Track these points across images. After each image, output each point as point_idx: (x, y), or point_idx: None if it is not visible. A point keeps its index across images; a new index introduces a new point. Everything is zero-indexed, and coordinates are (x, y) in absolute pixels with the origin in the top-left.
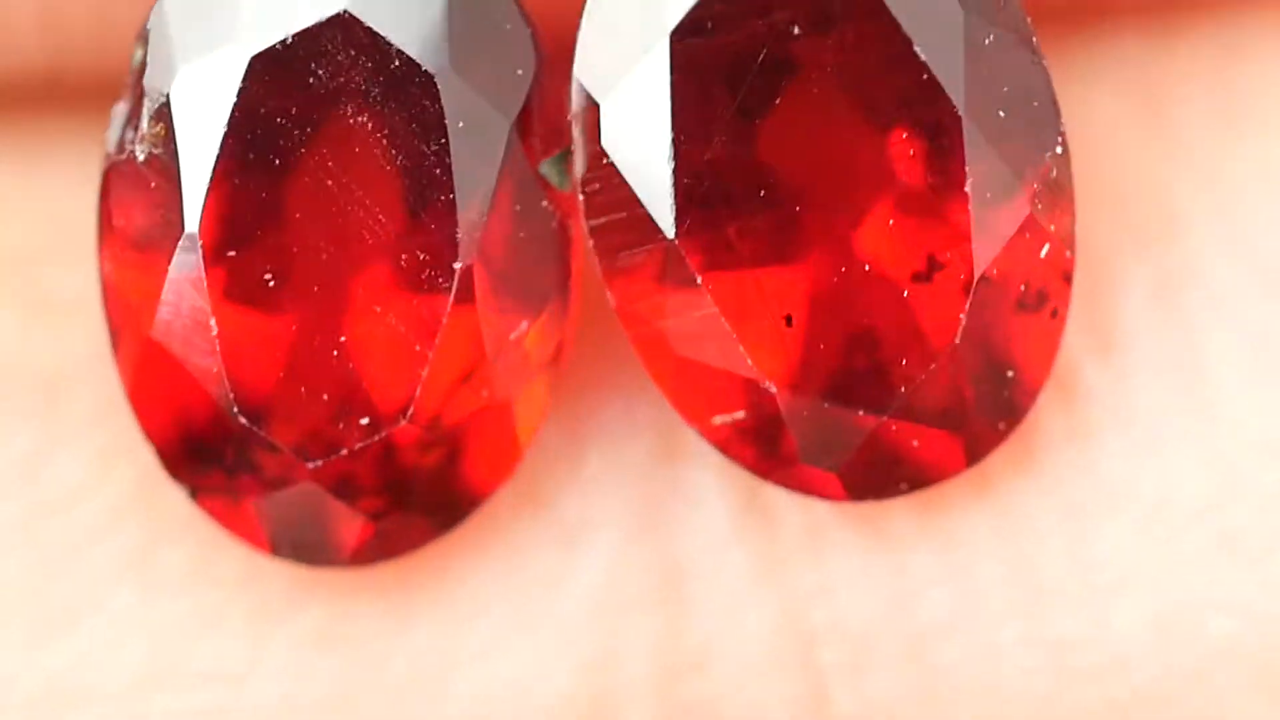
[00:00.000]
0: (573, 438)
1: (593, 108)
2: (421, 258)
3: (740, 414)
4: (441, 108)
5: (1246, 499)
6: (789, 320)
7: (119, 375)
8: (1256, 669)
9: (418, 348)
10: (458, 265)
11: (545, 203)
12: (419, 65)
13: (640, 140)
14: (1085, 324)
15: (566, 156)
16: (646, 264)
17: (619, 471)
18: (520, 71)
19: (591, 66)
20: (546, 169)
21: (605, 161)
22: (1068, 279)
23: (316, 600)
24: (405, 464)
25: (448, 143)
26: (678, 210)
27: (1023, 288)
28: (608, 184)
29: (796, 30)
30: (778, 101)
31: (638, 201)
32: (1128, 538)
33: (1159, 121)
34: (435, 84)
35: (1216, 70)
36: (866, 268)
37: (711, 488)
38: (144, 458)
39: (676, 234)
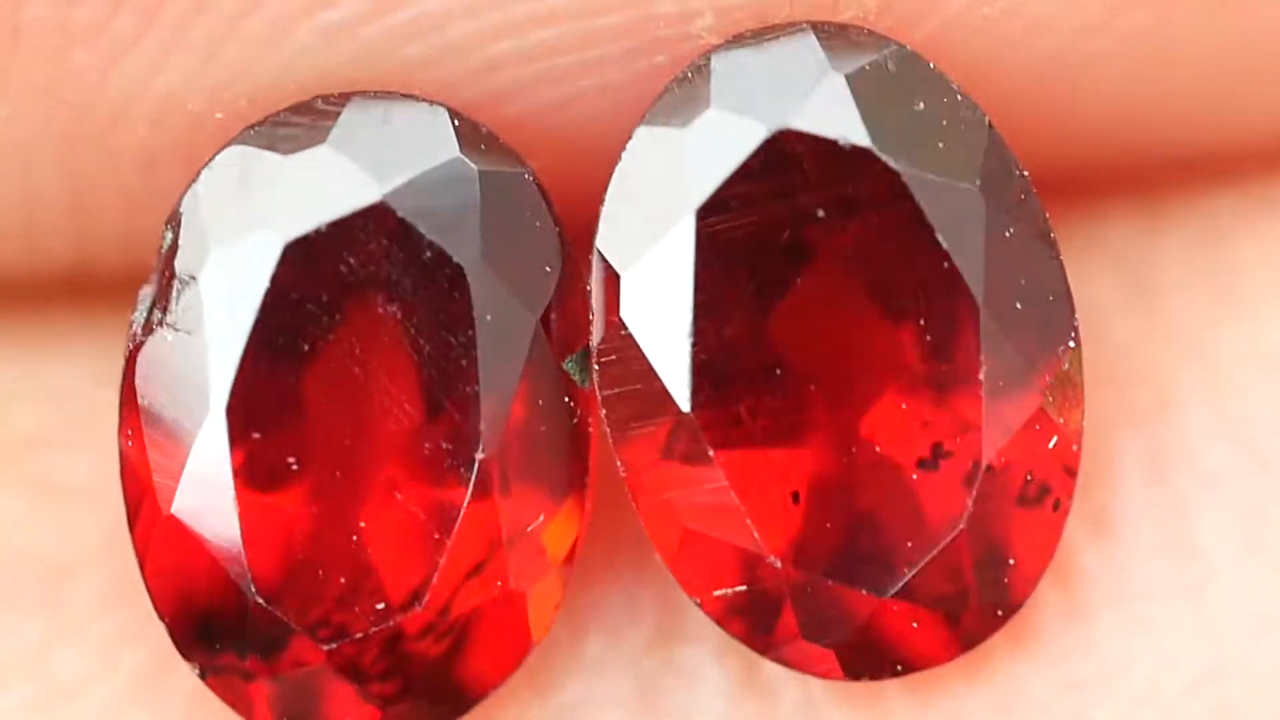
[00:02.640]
0: (575, 621)
1: (613, 278)
2: (443, 448)
3: (741, 588)
4: (470, 300)
5: (1240, 674)
6: (796, 498)
7: (135, 551)
8: None
9: (436, 536)
10: (479, 456)
11: (567, 399)
12: (449, 257)
13: (659, 314)
14: (1082, 506)
15: (588, 354)
16: (658, 435)
17: (620, 654)
18: (548, 268)
19: (614, 239)
20: (569, 365)
21: (623, 332)
22: (1072, 473)
23: None
24: (415, 651)
25: (475, 335)
26: (693, 385)
27: (1027, 479)
28: (624, 355)
29: (820, 214)
30: (796, 283)
31: (653, 374)
32: (1125, 713)
33: (1151, 304)
34: (465, 276)
35: (1204, 253)
36: (875, 451)
37: (710, 667)
38: (149, 645)
39: (690, 408)
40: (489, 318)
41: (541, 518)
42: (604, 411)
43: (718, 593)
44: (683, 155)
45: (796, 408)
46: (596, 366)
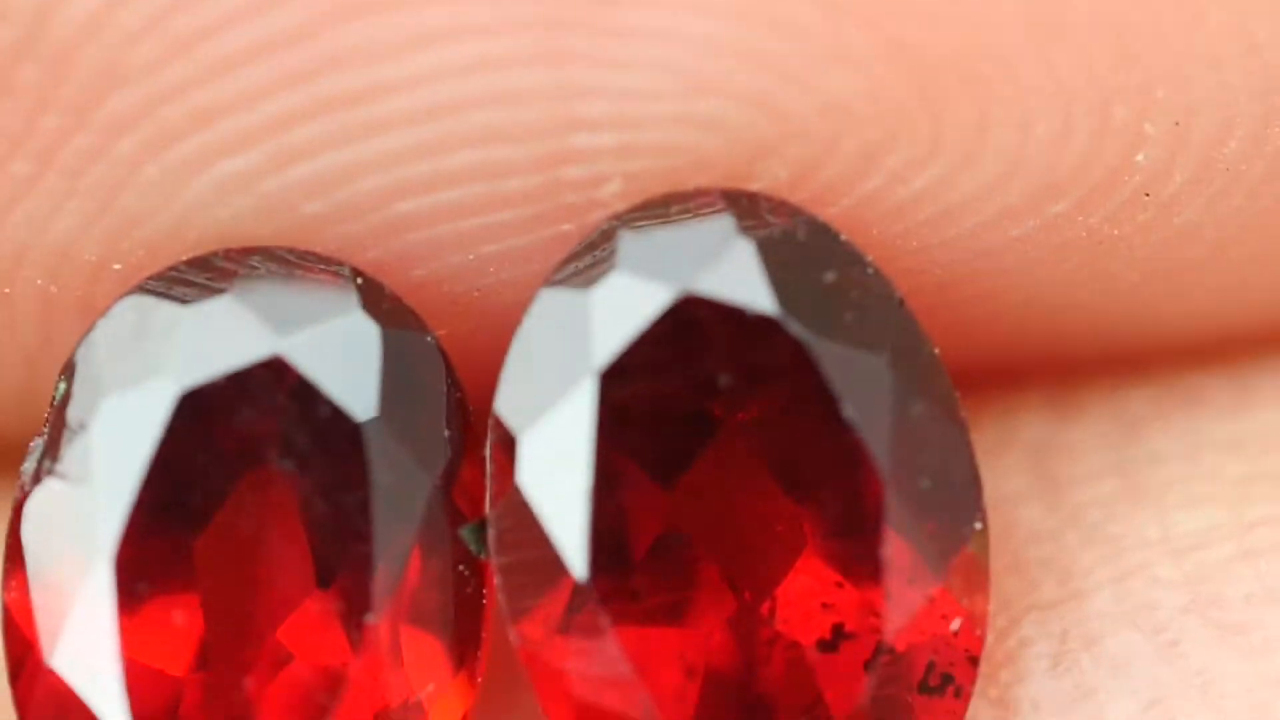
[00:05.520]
0: None
1: (510, 442)
2: (334, 610)
3: None
4: (366, 461)
5: None
6: (691, 674)
7: (15, 707)
8: None
9: (322, 702)
10: (369, 621)
11: (461, 567)
12: (347, 416)
13: (557, 480)
14: (988, 692)
15: (485, 524)
16: (554, 607)
17: None
18: (447, 432)
19: (513, 401)
20: (465, 534)
21: (519, 498)
22: (974, 661)
23: None
24: None
25: (370, 497)
26: (590, 554)
27: (929, 665)
28: (520, 521)
29: (724, 382)
30: (698, 456)
31: (548, 541)
32: None
33: (1059, 494)
34: (362, 436)
35: (1115, 444)
36: (774, 630)
37: None
38: None
39: (587, 578)
40: (386, 478)
41: (431, 687)
42: (499, 579)
43: None
44: (586, 318)
45: (696, 583)
46: (492, 533)
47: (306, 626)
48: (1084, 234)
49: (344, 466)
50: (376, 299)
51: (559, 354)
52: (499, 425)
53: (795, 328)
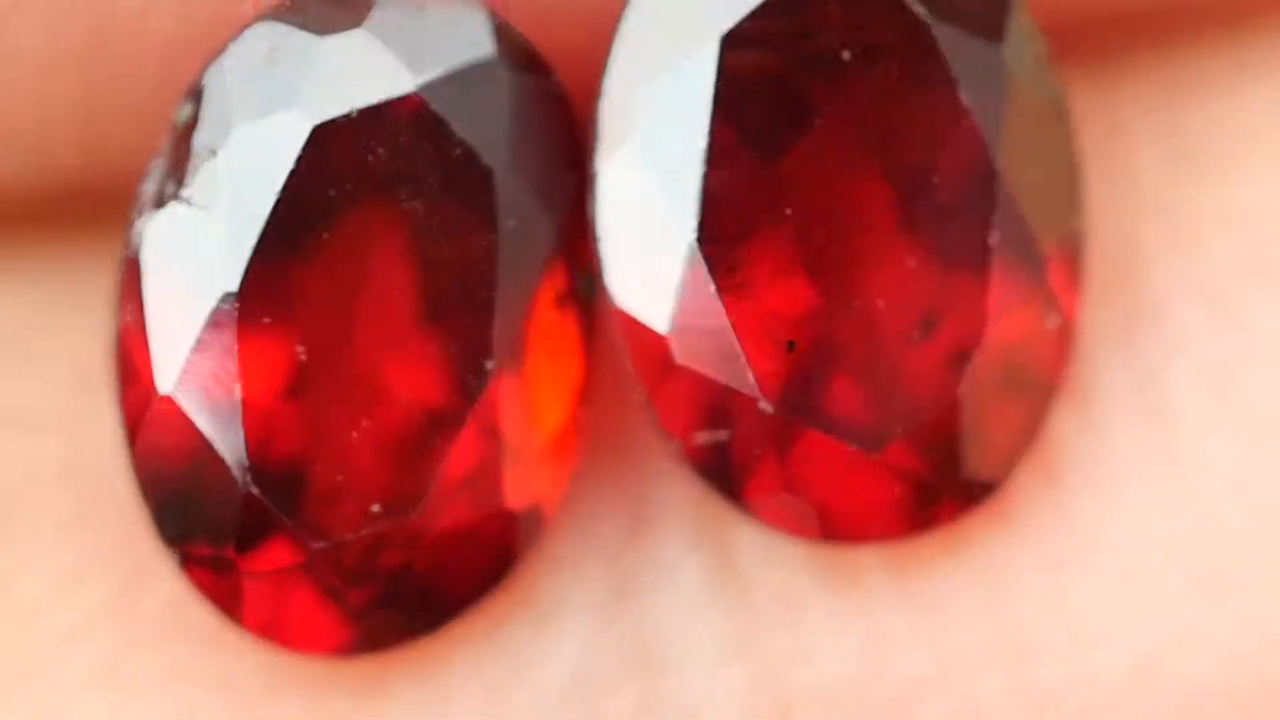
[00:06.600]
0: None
1: (624, 101)
2: (453, 351)
3: (725, 433)
4: (495, 203)
5: (1216, 538)
6: (792, 346)
7: (124, 428)
8: (1237, 705)
9: (437, 444)
10: (489, 365)
11: (579, 314)
12: (479, 157)
13: (671, 145)
14: None
15: (598, 274)
16: (657, 269)
17: (589, 550)
18: (569, 178)
19: (629, 60)
20: (582, 281)
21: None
22: (1066, 357)
23: (291, 693)
24: (399, 561)
25: (496, 240)
26: (701, 217)
27: (1022, 361)
28: (629, 186)
29: (846, 55)
30: (811, 131)
31: (660, 200)
32: (1104, 585)
33: (1113, 167)
34: (492, 179)
35: (1168, 114)
36: (874, 311)
37: (684, 558)
38: (112, 574)
39: (697, 241)
40: (511, 223)
41: (541, 435)
42: (603, 246)
43: (701, 436)
44: None
45: (802, 255)
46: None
47: (420, 367)
48: None
49: (472, 209)
50: (509, 38)
51: (674, 25)
52: (615, 82)
53: (917, 8)
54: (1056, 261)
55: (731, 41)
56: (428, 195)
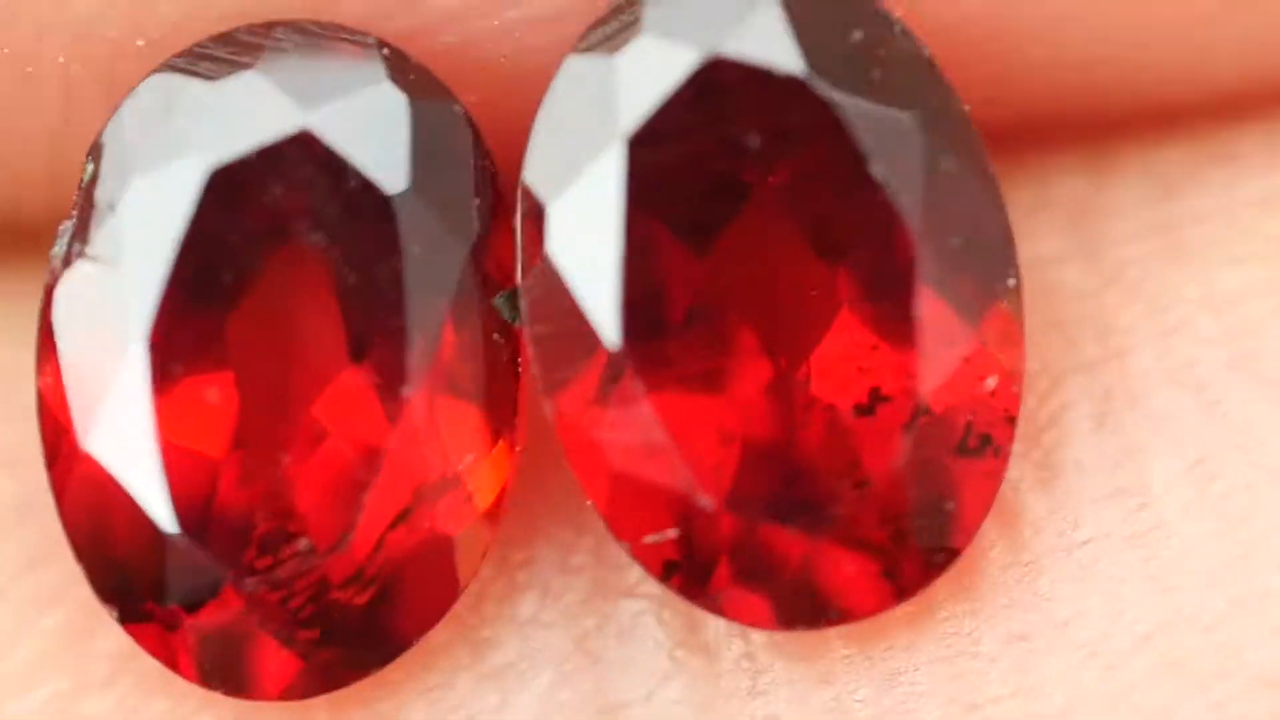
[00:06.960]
0: (508, 579)
1: (539, 212)
2: (369, 384)
3: (672, 533)
4: (398, 231)
5: (1191, 624)
6: (728, 440)
7: (52, 492)
8: None
9: (362, 477)
10: (405, 392)
11: (496, 336)
12: (377, 187)
13: (587, 248)
14: (1031, 454)
15: (518, 292)
16: (588, 377)
17: (555, 612)
18: (477, 202)
19: (541, 170)
20: (499, 302)
21: (549, 268)
22: (1012, 421)
23: None
24: (340, 598)
25: (402, 268)
26: (623, 323)
27: (967, 425)
28: (551, 291)
29: (752, 144)
30: (729, 221)
31: (580, 311)
32: (1073, 666)
33: (1098, 254)
34: (392, 207)
35: (1153, 205)
36: (810, 394)
37: (648, 625)
38: (70, 607)
39: (620, 346)
40: (417, 249)
41: (470, 458)
42: (533, 352)
43: (649, 538)
44: (613, 83)
45: (731, 350)
46: (524, 304)
47: (342, 401)
48: None
49: (375, 239)
50: (403, 69)
51: (586, 121)
52: (528, 195)
53: (823, 87)
54: (991, 322)
55: (639, 139)
56: (328, 228)
